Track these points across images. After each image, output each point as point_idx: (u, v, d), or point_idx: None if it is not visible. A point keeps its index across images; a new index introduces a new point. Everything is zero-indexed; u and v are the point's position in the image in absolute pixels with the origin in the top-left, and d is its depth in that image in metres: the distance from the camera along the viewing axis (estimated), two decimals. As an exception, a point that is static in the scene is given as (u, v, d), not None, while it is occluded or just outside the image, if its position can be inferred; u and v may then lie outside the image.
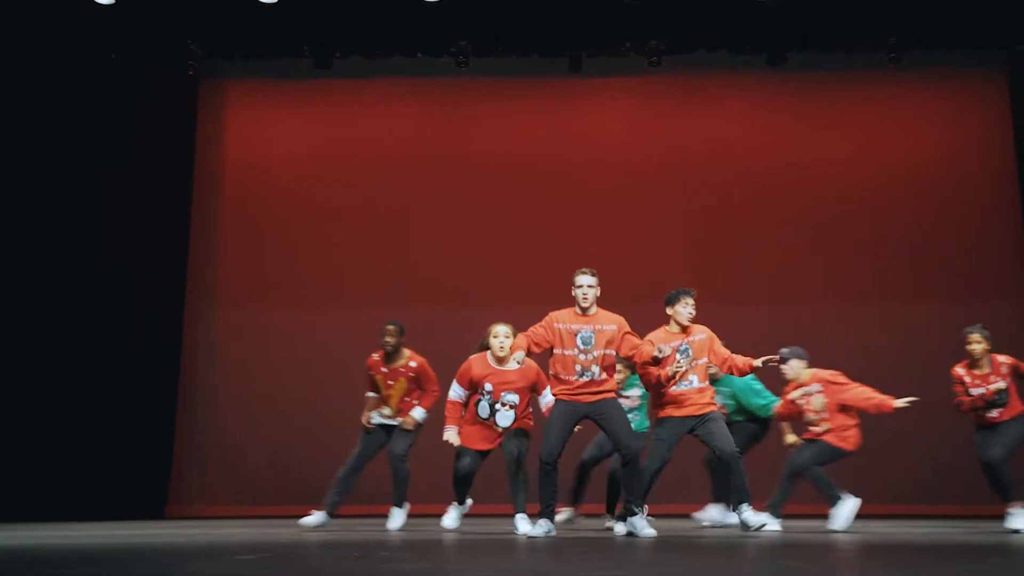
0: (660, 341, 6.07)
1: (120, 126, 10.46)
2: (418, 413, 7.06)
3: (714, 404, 6.24)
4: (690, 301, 6.20)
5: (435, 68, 10.43)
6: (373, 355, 7.19)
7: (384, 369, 7.10)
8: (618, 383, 6.59)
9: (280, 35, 9.99)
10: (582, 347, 5.89)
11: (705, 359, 6.22)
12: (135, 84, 10.44)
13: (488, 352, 6.59)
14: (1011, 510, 6.74)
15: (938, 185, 10.61)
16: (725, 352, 6.27)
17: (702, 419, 6.08)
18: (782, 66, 10.15)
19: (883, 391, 6.90)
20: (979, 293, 10.25)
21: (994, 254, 10.41)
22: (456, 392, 6.64)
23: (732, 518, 6.92)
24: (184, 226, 10.57)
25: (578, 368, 5.91)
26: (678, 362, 6.08)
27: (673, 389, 6.10)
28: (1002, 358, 6.84)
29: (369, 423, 7.14)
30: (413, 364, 7.09)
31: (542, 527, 5.98)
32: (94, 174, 10.35)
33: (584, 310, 5.98)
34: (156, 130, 10.52)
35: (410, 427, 7.06)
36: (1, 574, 3.76)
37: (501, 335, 6.50)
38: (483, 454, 6.70)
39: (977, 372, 6.83)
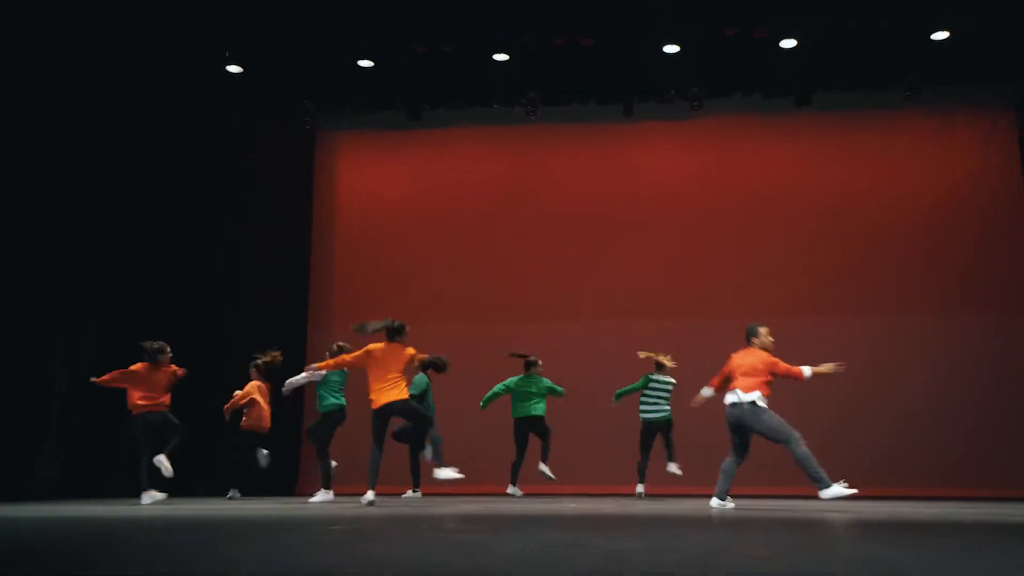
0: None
1: (246, 174, 11.34)
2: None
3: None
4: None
5: (508, 117, 11.12)
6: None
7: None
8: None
9: (377, 91, 10.71)
10: None
11: None
12: (260, 138, 11.35)
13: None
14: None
15: (957, 210, 10.78)
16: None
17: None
18: (808, 106, 10.48)
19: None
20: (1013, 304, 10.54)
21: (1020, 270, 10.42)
22: None
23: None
24: (305, 258, 11.33)
25: None
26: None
27: None
28: None
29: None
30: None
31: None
32: (231, 216, 11.31)
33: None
34: (282, 177, 11.36)
35: None
36: (125, 535, 4.17)
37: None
38: None
39: None
